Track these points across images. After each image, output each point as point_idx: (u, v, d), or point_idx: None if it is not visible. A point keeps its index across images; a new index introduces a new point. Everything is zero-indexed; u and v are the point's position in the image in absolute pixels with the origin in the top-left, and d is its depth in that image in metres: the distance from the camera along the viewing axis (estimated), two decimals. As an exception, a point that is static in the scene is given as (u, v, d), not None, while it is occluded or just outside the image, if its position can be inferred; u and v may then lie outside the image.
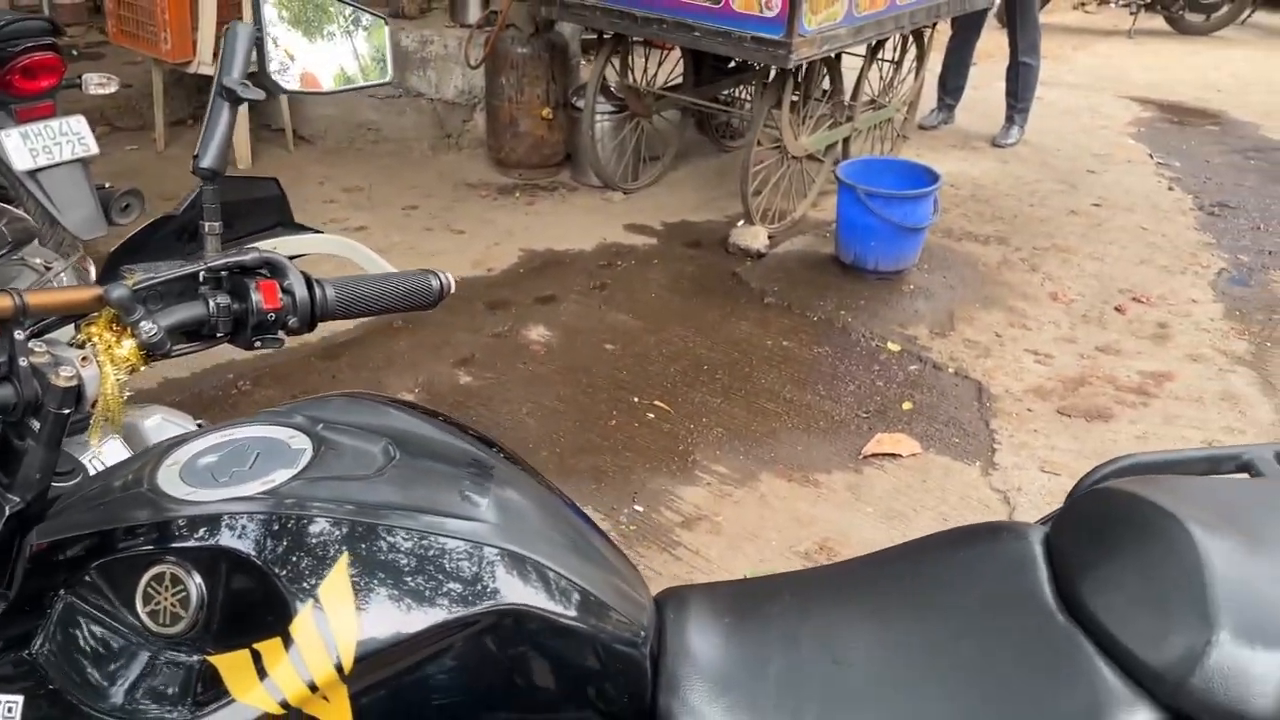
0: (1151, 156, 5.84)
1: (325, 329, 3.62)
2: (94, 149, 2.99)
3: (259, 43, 1.07)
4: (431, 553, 0.80)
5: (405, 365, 3.46)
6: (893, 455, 3.05)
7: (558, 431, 3.13)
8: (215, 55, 4.67)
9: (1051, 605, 0.95)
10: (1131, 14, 8.86)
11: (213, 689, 0.74)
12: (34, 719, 0.74)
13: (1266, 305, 4.08)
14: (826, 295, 4.03)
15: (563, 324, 3.78)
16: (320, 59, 1.12)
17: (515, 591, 0.81)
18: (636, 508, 2.81)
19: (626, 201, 4.95)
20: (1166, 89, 7.21)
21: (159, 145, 5.09)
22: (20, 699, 0.75)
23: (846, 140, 4.88)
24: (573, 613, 0.84)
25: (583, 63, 5.34)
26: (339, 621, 0.74)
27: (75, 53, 3.74)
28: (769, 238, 4.45)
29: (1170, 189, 5.33)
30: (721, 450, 3.08)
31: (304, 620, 0.74)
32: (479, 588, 0.80)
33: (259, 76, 1.06)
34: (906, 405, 3.34)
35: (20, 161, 2.84)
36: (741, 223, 4.49)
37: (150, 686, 0.75)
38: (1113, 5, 9.25)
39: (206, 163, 0.97)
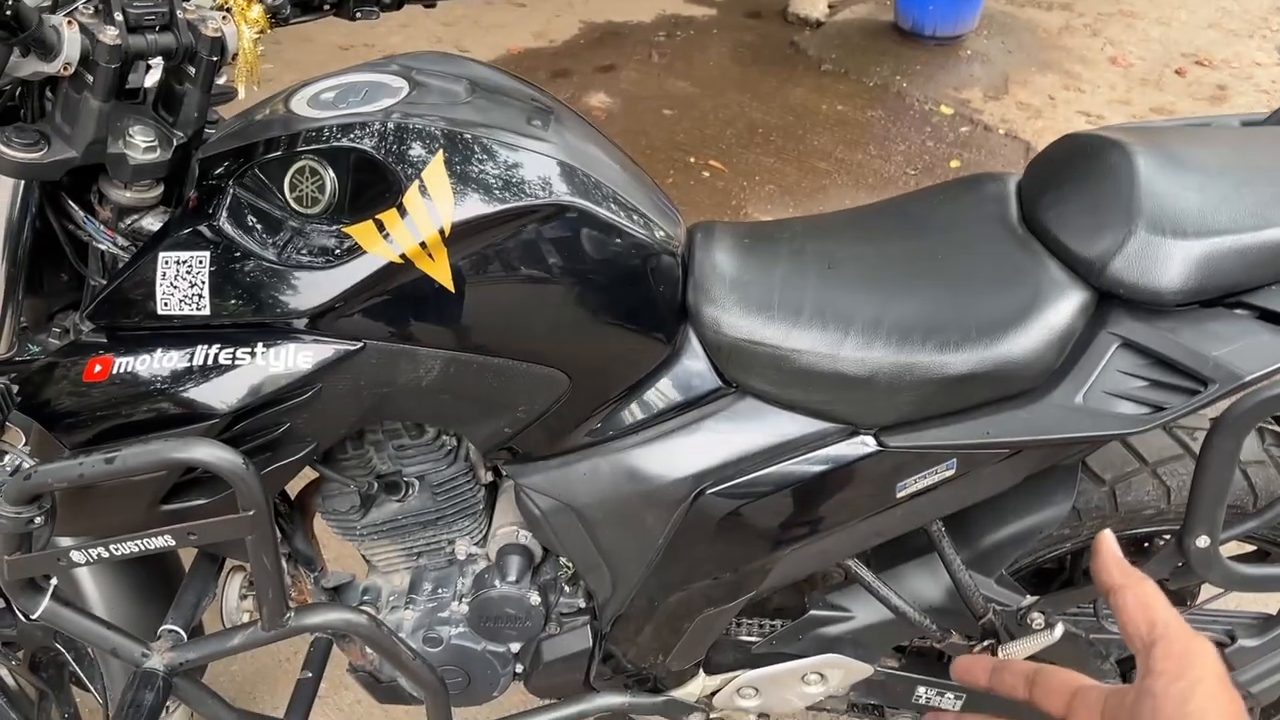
0: (1237, -81, 5.58)
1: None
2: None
3: None
4: (506, 157, 1.02)
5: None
6: (936, 207, 3.20)
7: (618, 187, 3.32)
8: None
9: (1014, 222, 1.15)
10: None
11: (348, 248, 0.98)
12: (219, 270, 1.00)
13: (1333, 67, 4.04)
14: (883, 61, 4.08)
15: (623, 91, 3.91)
16: None
17: (574, 193, 1.03)
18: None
19: (687, -27, 4.94)
20: None
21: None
22: (208, 254, 1.00)
23: (912, -95, 4.76)
24: (620, 219, 1.06)
25: None
26: (439, 197, 0.97)
27: None
28: (829, 6, 4.46)
29: (1251, -48, 5.14)
30: (773, 204, 3.26)
31: (413, 195, 0.97)
32: (545, 187, 1.02)
33: None
34: (954, 163, 3.46)
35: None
36: (800, -7, 4.50)
37: (302, 246, 0.99)
38: None
39: None
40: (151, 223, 1.09)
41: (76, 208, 1.09)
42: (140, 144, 1.04)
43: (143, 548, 1.01)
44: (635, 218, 1.08)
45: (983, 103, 3.80)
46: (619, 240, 1.06)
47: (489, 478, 1.31)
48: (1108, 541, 0.61)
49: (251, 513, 0.98)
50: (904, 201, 1.26)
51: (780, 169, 3.44)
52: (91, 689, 1.51)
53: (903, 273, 1.13)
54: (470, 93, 1.09)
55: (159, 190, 1.09)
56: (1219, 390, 0.98)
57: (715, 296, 1.12)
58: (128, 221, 1.09)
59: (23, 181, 1.03)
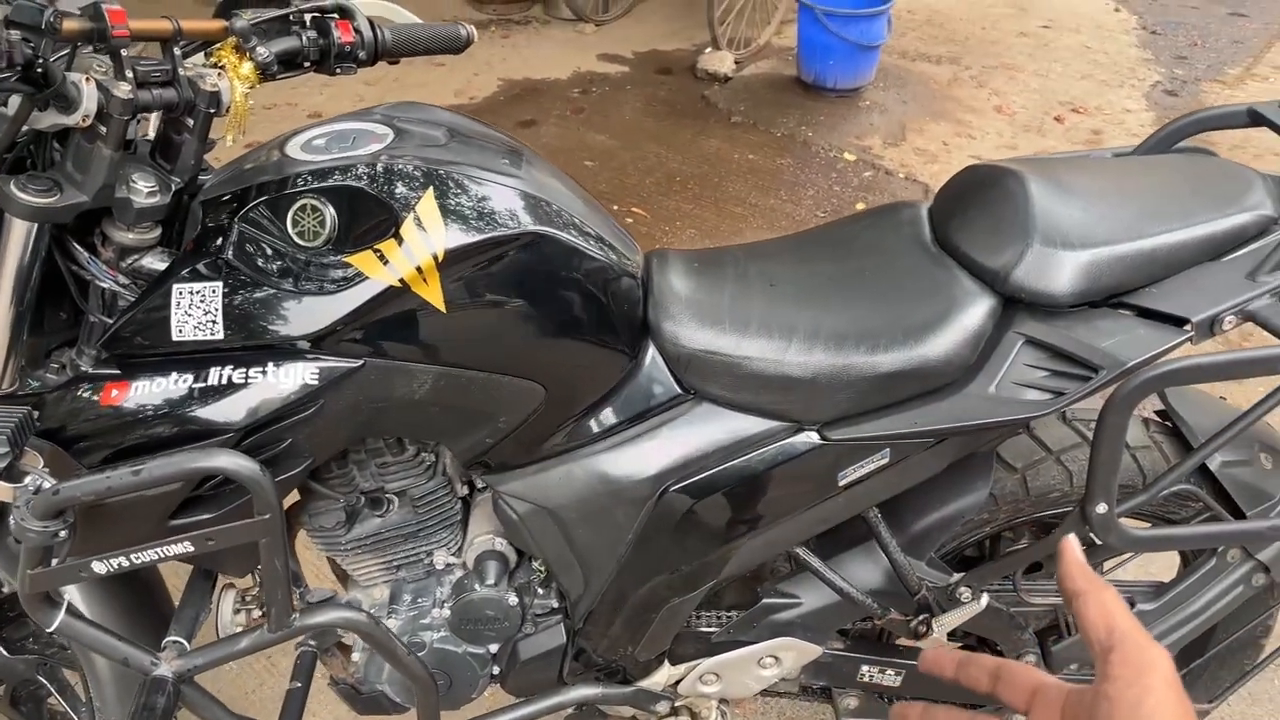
0: (1102, -20, 6.06)
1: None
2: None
3: None
4: (486, 192, 1.14)
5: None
6: (846, 245, 3.42)
7: (545, 235, 3.47)
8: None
9: (928, 242, 1.32)
10: None
11: (350, 275, 1.09)
12: (231, 298, 1.10)
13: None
14: (789, 113, 4.32)
15: (544, 145, 4.07)
16: None
17: (546, 223, 1.16)
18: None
19: (598, 33, 5.16)
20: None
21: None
22: (220, 284, 1.10)
23: (808, -32, 5.08)
24: (587, 245, 1.19)
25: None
26: (432, 228, 1.09)
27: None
28: (735, 63, 4.70)
29: (1116, 10, 5.59)
30: (694, 247, 3.43)
31: (409, 226, 1.09)
32: (521, 217, 1.14)
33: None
34: (860, 206, 3.69)
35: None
36: (709, 49, 4.73)
37: (306, 275, 1.10)
38: None
39: None
40: (151, 262, 1.19)
41: (81, 249, 1.18)
42: (143, 189, 1.14)
43: (162, 555, 1.09)
44: (599, 244, 1.22)
45: (883, 149, 4.06)
46: (587, 264, 1.19)
47: (464, 491, 1.41)
48: (1072, 548, 0.63)
49: (267, 516, 1.08)
50: (830, 228, 1.43)
51: (699, 214, 3.62)
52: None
53: (835, 288, 1.29)
54: (448, 137, 1.22)
55: (157, 232, 1.19)
56: (1107, 375, 1.15)
57: (673, 313, 1.26)
58: (128, 261, 1.19)
59: (34, 225, 1.11)
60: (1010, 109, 4.40)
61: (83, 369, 1.18)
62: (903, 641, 1.52)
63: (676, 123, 4.27)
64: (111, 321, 1.16)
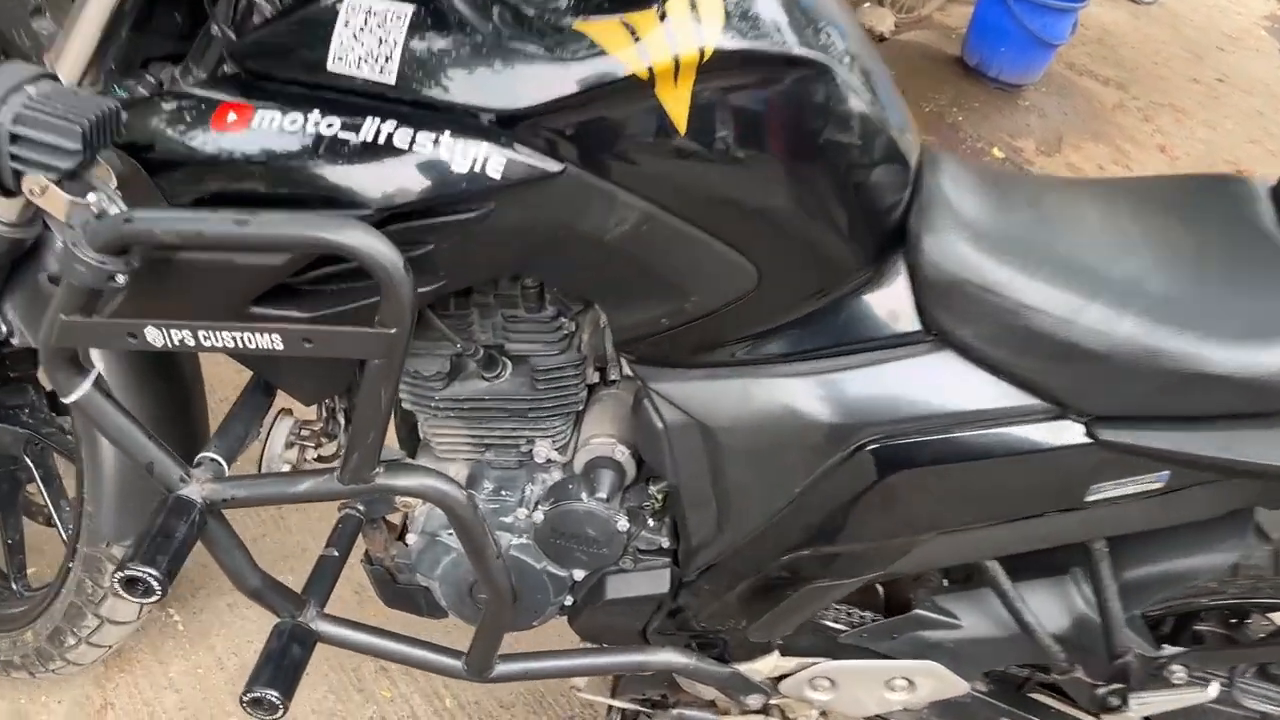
0: (1283, 51, 5.67)
1: None
2: None
3: None
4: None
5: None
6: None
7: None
8: None
9: (1269, 230, 1.01)
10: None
11: (584, 46, 0.80)
12: (419, 33, 0.79)
13: (1364, 209, 4.07)
14: (942, 91, 3.98)
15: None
16: None
17: (832, 59, 0.86)
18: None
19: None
20: (1314, -7, 6.91)
21: None
22: (410, 10, 0.78)
23: (994, -52, 4.70)
24: (868, 105, 0.89)
25: None
26: (709, 15, 0.79)
27: None
28: (895, 25, 4.36)
29: (1296, 84, 5.20)
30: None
31: (680, 3, 0.80)
32: (811, 39, 0.84)
33: None
34: (1001, 206, 3.37)
35: None
36: (869, 3, 4.38)
37: (525, 30, 0.80)
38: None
39: None
40: None
41: (224, -68, 0.89)
42: None
43: (239, 344, 0.81)
44: (879, 109, 0.92)
45: (1034, 155, 3.73)
46: (862, 126, 0.90)
47: (594, 379, 1.13)
48: None
49: (393, 331, 0.79)
50: (1142, 183, 1.14)
51: (828, 167, 3.31)
52: (56, 522, 1.27)
53: (1161, 252, 0.99)
54: None
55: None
56: None
57: (940, 226, 0.97)
58: (284, -38, 0.89)
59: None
60: (1174, 151, 4.05)
61: (186, 90, 0.89)
62: (1067, 708, 1.23)
63: (821, 68, 3.93)
64: (237, 39, 0.88)
